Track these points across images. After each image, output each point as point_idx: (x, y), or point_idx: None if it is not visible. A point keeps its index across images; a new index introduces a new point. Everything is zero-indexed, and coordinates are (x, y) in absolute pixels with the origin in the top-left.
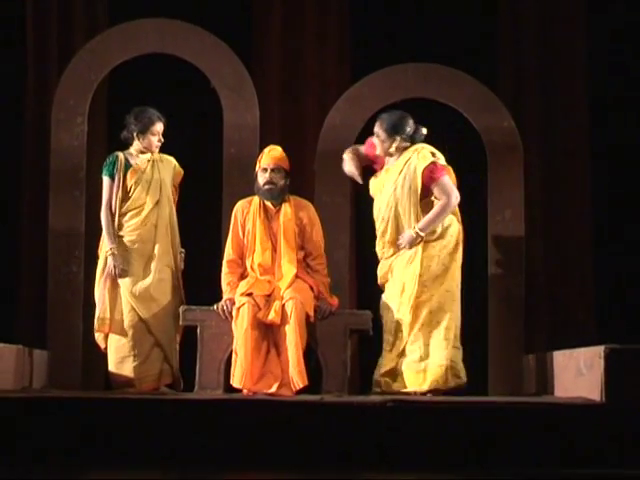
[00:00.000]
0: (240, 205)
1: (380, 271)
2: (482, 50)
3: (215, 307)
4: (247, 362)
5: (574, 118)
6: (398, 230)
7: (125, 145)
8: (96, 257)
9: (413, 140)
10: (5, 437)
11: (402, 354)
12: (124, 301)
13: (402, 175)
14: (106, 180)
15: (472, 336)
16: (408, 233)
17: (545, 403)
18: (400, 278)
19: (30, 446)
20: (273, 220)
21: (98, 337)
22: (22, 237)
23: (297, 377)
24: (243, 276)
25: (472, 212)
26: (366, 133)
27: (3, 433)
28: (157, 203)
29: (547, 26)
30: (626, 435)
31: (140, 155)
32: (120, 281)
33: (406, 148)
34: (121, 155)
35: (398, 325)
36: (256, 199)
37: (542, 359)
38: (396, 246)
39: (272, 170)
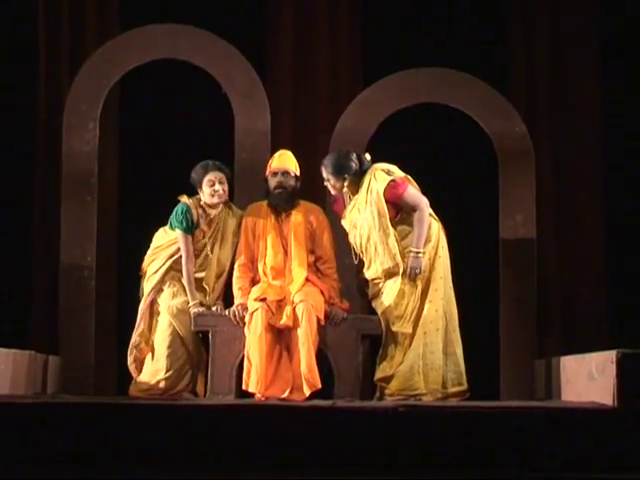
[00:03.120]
0: (250, 209)
1: (371, 290)
2: (494, 55)
3: (227, 312)
4: (261, 367)
5: (587, 121)
6: (384, 254)
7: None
8: (138, 276)
9: (363, 172)
10: (16, 442)
11: (401, 362)
12: (163, 317)
13: (369, 204)
14: (181, 234)
15: (483, 341)
16: (411, 261)
17: (556, 408)
18: (394, 291)
19: (42, 451)
20: (284, 224)
21: (132, 365)
22: (34, 242)
23: (311, 379)
24: (254, 280)
25: (483, 216)
26: (378, 138)
27: (14, 438)
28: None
29: (559, 30)
30: (639, 440)
31: (207, 209)
32: (160, 300)
33: (360, 180)
34: (193, 210)
35: (396, 336)
36: (266, 204)
37: (554, 363)
38: (389, 274)
39: (282, 174)
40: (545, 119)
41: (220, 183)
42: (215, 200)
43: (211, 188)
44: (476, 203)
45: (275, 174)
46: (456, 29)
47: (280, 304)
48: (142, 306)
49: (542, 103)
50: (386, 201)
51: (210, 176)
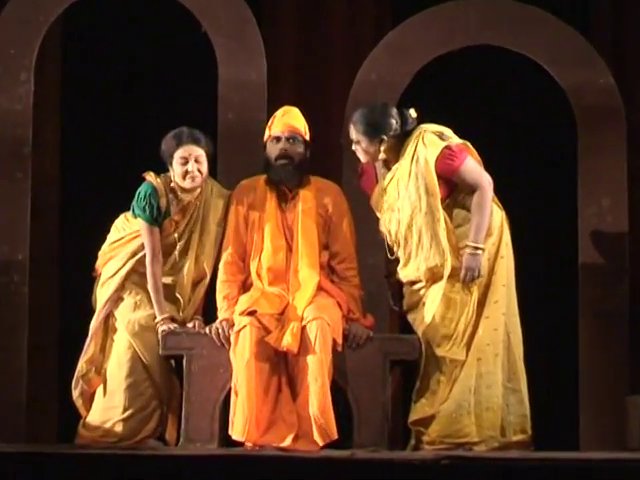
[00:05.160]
0: (242, 188)
1: (408, 298)
2: None
3: (207, 330)
4: (251, 406)
5: None
6: (430, 248)
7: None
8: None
9: (406, 134)
10: None
11: (445, 399)
12: (120, 336)
13: (413, 176)
14: (144, 225)
15: (556, 371)
16: (467, 260)
17: None
18: (441, 300)
19: None
20: (288, 208)
21: (79, 401)
22: None
23: (325, 428)
24: (246, 284)
25: (557, 200)
26: (411, 94)
27: None
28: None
29: None
30: None
31: (180, 192)
32: (117, 312)
33: (402, 145)
34: (160, 194)
35: (441, 363)
36: (264, 180)
37: None
38: (433, 276)
39: (287, 139)
40: (639, 68)
41: (196, 162)
42: (187, 184)
43: (183, 167)
44: (546, 183)
45: (277, 139)
46: None
47: (279, 319)
48: (94, 321)
49: (636, 46)
50: (437, 175)
51: (183, 151)
